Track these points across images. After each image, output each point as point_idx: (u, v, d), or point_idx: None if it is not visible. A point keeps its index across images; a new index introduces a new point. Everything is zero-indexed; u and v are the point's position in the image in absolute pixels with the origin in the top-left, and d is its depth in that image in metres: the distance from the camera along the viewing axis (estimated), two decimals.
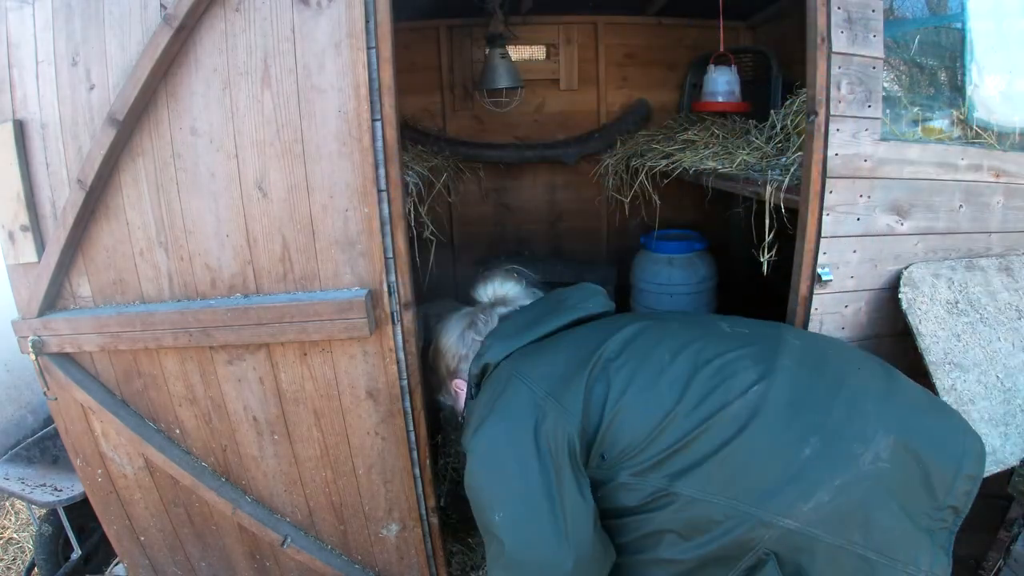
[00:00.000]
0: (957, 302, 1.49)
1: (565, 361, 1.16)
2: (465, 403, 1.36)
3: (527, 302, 1.40)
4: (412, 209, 1.83)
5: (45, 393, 1.53)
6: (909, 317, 1.45)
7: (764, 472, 1.01)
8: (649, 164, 2.34)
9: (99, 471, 1.62)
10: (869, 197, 1.45)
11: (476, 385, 1.29)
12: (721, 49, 2.44)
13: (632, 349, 1.15)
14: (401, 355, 1.51)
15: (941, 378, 1.41)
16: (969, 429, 1.11)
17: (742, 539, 1.00)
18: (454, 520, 2.20)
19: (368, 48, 1.31)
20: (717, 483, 1.02)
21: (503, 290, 1.43)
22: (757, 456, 1.02)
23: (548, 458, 1.07)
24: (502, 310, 1.38)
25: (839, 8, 1.34)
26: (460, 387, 1.37)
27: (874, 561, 0.98)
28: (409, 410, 1.56)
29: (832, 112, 1.37)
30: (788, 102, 1.87)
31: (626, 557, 1.12)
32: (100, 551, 2.10)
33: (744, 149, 1.99)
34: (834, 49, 1.35)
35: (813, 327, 1.48)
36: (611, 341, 1.17)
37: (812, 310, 1.47)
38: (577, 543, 1.05)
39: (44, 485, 1.89)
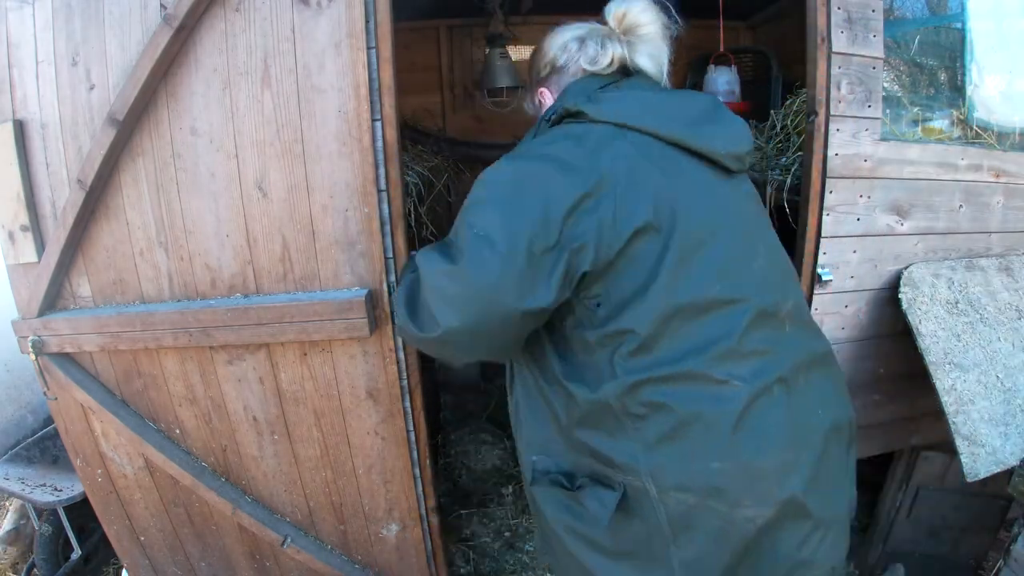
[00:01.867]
0: (957, 302, 1.49)
1: (654, 184, 0.99)
2: (539, 122, 1.20)
3: (657, 49, 1.17)
4: (412, 209, 1.83)
5: (45, 393, 1.53)
6: (909, 317, 1.45)
7: (705, 443, 0.98)
8: None
9: (99, 471, 1.62)
10: (869, 197, 1.45)
11: (553, 119, 1.12)
12: (721, 49, 2.44)
13: (706, 223, 1.02)
14: (401, 355, 1.51)
15: (941, 378, 1.41)
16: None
17: (624, 466, 1.00)
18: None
19: (368, 48, 1.31)
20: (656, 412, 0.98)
21: (637, 19, 1.15)
22: (706, 427, 0.98)
23: (561, 238, 0.94)
24: (616, 48, 1.15)
25: (839, 8, 1.34)
26: (544, 96, 1.24)
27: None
28: (409, 410, 1.56)
29: (832, 112, 1.38)
30: (788, 102, 1.87)
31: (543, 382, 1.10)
32: (100, 551, 2.11)
33: None
34: (834, 49, 1.35)
35: None
36: (695, 203, 1.01)
37: (812, 310, 1.47)
38: (524, 309, 0.96)
39: (44, 485, 1.89)
